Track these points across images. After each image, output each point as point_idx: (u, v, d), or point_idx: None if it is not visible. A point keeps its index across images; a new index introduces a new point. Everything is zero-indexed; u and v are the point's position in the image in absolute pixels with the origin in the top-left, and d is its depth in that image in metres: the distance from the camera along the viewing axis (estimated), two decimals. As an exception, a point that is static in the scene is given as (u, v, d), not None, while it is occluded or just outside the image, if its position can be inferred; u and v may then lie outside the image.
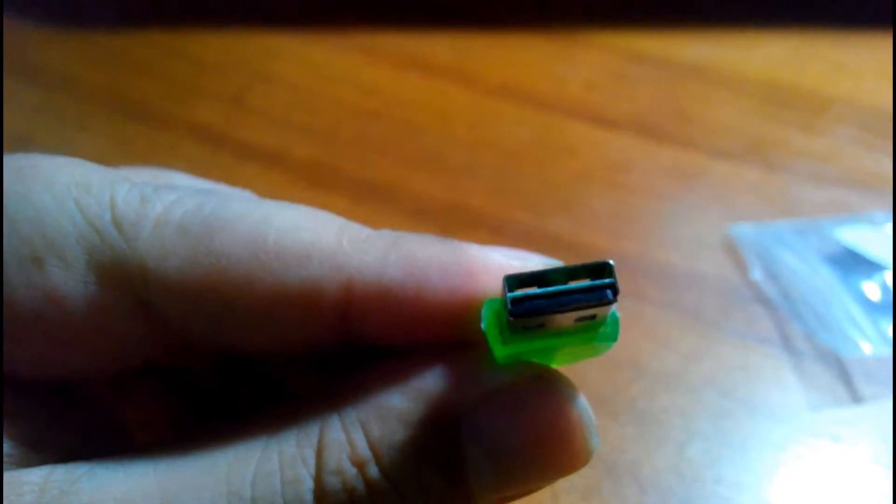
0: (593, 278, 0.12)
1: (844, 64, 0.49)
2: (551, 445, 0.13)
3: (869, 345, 0.31)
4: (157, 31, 0.54)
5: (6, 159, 0.14)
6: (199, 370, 0.18)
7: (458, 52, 0.51)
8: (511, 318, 0.12)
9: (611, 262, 0.12)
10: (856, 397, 0.31)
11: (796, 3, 0.54)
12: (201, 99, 0.48)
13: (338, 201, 0.40)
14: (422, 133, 0.45)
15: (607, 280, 0.12)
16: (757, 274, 0.35)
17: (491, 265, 0.13)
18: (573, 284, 0.12)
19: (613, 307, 0.13)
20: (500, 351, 0.13)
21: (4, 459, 0.13)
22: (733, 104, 0.46)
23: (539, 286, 0.12)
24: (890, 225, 0.37)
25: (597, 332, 0.13)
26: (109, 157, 0.44)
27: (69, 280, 0.13)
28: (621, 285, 0.12)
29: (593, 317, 0.13)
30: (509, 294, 0.12)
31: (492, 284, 0.13)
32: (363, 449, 0.12)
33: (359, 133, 0.45)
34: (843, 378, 0.31)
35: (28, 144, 0.45)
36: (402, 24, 0.53)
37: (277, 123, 0.46)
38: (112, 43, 0.53)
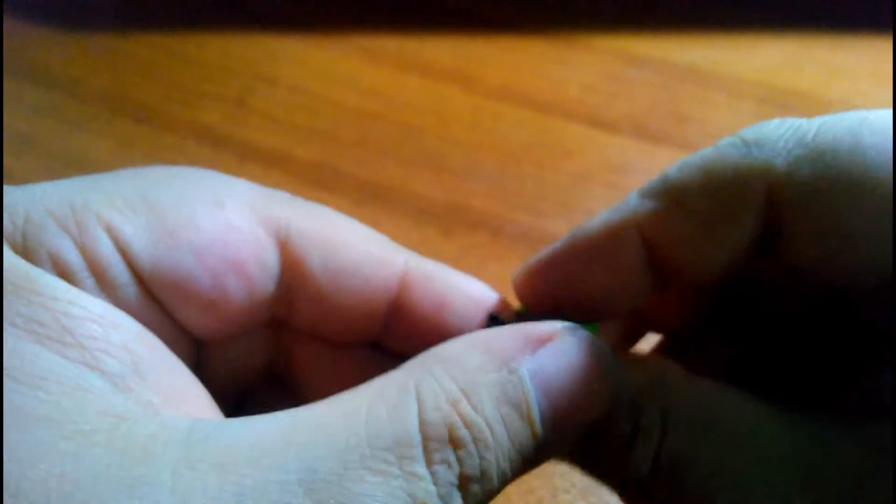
0: None
1: (841, 67, 0.49)
2: (587, 384, 0.16)
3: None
4: (159, 33, 0.54)
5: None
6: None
7: (459, 54, 0.51)
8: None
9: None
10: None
11: (793, 6, 0.54)
12: (204, 101, 0.48)
13: (339, 202, 0.40)
14: (422, 135, 0.45)
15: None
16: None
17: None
18: None
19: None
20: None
21: (148, 406, 0.15)
22: (730, 107, 0.46)
23: None
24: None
25: None
26: (113, 158, 0.45)
27: (244, 216, 0.18)
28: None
29: None
30: None
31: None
32: (455, 392, 0.15)
33: (360, 135, 0.45)
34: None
35: (29, 145, 0.46)
36: (403, 27, 0.53)
37: (279, 125, 0.46)
38: (114, 45, 0.54)
